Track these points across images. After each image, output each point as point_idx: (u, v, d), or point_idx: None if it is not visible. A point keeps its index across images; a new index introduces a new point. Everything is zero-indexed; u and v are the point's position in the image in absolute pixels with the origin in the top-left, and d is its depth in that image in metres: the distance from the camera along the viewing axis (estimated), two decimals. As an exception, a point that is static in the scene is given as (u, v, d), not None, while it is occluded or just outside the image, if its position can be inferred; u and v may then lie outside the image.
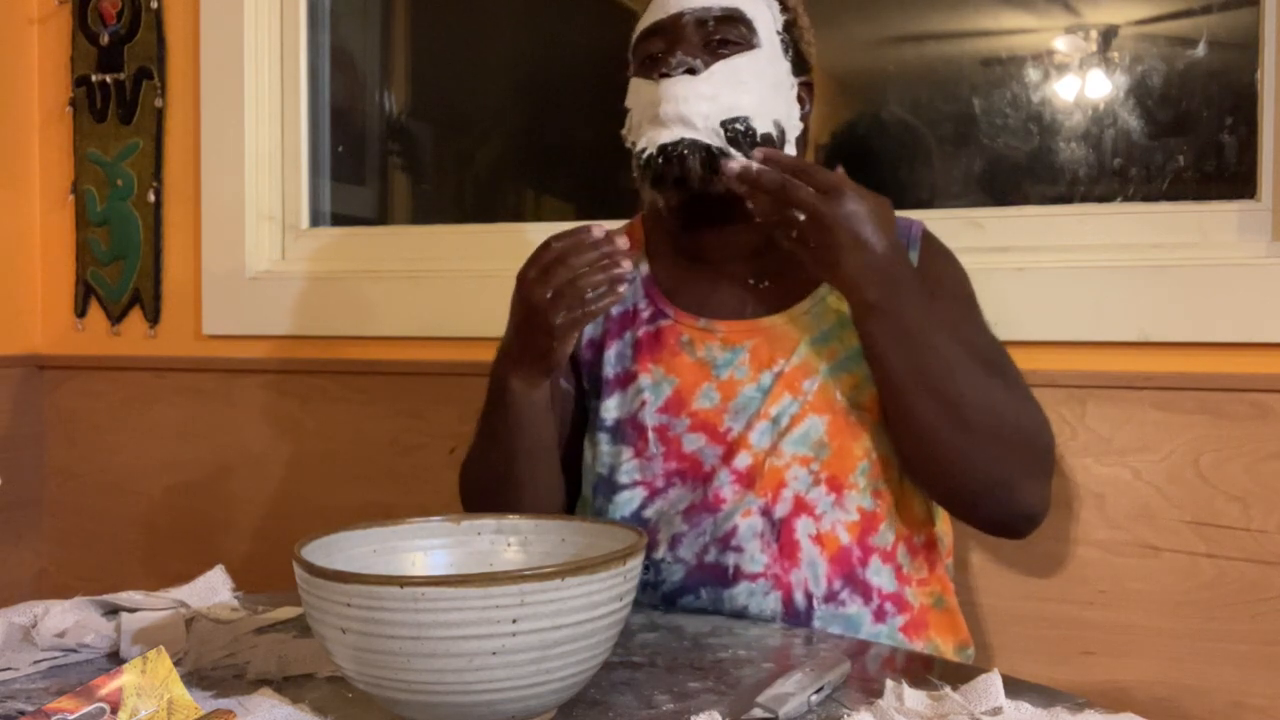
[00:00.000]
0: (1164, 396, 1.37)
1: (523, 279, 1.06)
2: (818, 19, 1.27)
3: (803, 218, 1.05)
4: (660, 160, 1.14)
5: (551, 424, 1.17)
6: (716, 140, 1.13)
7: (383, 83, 2.01)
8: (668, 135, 1.13)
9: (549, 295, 1.03)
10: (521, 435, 1.14)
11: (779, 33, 1.19)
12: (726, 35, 1.16)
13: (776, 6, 1.20)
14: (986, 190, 1.58)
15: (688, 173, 1.13)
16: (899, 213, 1.41)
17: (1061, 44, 1.54)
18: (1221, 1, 1.47)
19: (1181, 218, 1.43)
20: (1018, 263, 1.44)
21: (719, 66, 1.14)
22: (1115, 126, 1.51)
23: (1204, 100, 1.47)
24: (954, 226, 1.46)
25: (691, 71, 1.14)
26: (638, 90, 1.20)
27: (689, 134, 1.13)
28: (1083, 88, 1.53)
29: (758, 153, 1.09)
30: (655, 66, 1.17)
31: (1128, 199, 1.49)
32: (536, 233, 1.72)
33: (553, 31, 1.93)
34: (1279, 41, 1.38)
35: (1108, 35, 1.52)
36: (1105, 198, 1.50)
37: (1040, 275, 1.41)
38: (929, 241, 1.24)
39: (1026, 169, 1.55)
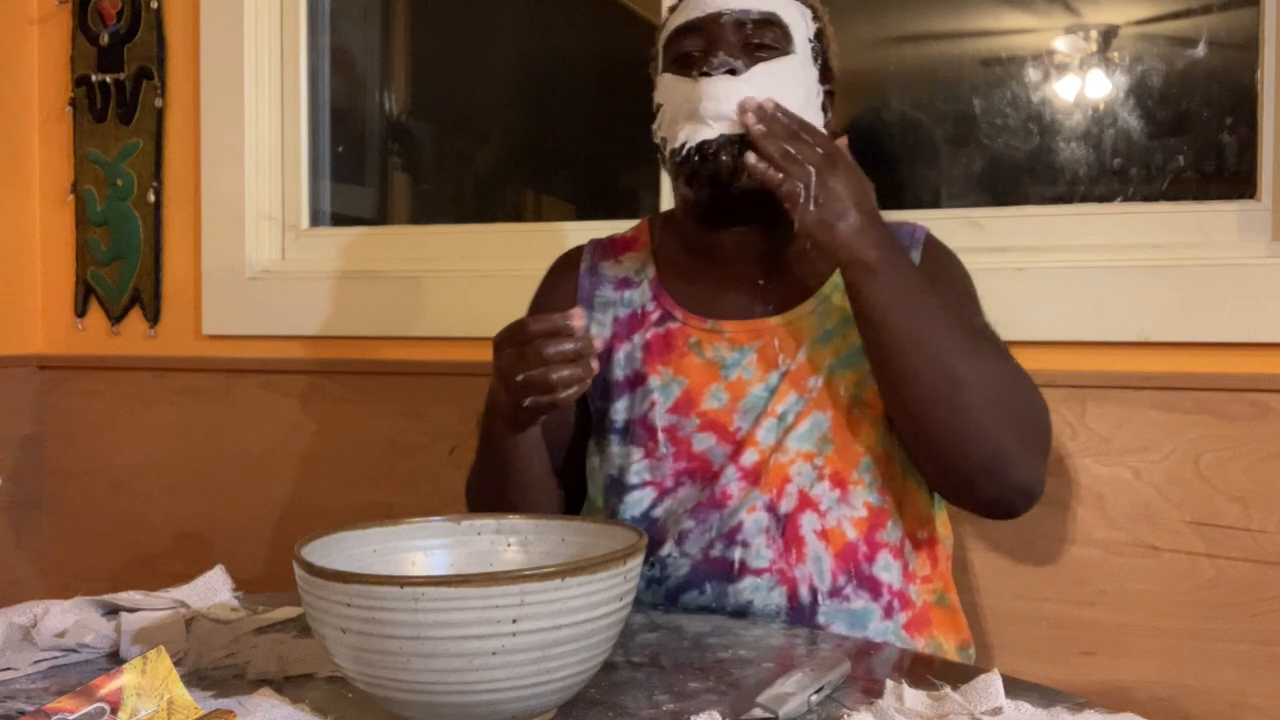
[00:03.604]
0: (1164, 396, 1.37)
1: (498, 350, 1.06)
2: (818, 19, 1.27)
3: (811, 171, 1.06)
4: (697, 157, 1.14)
5: (543, 456, 1.19)
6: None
7: (383, 83, 2.01)
8: (708, 132, 1.13)
9: (519, 379, 1.03)
10: (511, 469, 1.16)
11: (810, 40, 1.19)
12: (763, 39, 1.16)
13: (809, 14, 1.20)
14: (986, 190, 1.58)
15: (721, 168, 1.13)
16: (900, 215, 1.41)
17: (1061, 44, 1.54)
18: (1221, 1, 1.47)
19: (1181, 218, 1.43)
20: (1018, 263, 1.44)
21: (759, 69, 1.14)
22: (1115, 126, 1.51)
23: (1204, 100, 1.47)
24: (954, 226, 1.46)
25: (733, 72, 1.13)
26: (673, 87, 1.18)
27: (729, 131, 1.13)
28: (1083, 88, 1.53)
29: (751, 102, 1.09)
30: (693, 65, 1.16)
31: (1128, 199, 1.49)
32: (537, 233, 1.74)
33: (553, 31, 1.93)
34: (1279, 41, 1.38)
35: (1108, 35, 1.52)
36: (1105, 198, 1.50)
37: (1040, 275, 1.41)
38: (932, 243, 1.24)
39: (1026, 169, 1.55)
